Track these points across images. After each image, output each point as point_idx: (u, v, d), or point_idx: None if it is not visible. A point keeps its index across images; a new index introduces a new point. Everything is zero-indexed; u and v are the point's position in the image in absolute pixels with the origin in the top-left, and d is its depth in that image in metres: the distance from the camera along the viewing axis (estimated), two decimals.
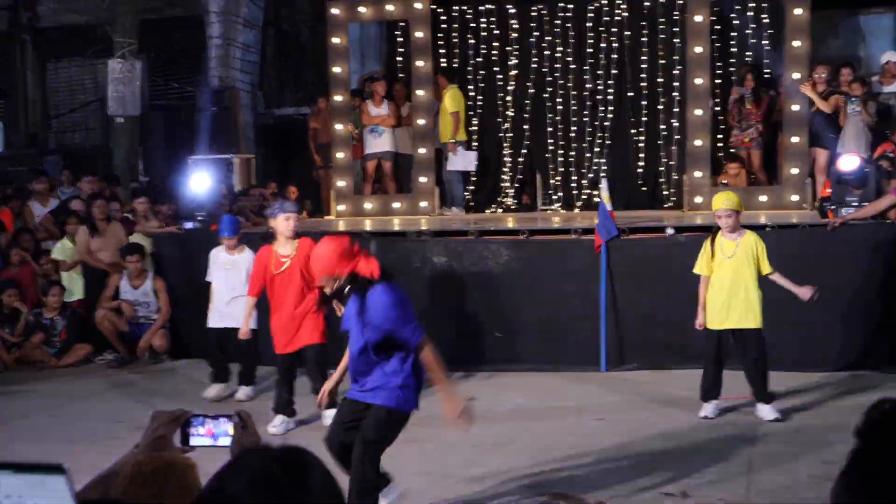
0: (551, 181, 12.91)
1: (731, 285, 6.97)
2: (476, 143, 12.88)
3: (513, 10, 13.04)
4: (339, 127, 12.47)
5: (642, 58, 12.64)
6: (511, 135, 13.07)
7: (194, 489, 2.51)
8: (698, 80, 11.38)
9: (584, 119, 12.83)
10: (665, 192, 12.58)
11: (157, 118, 15.40)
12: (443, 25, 13.13)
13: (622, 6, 12.65)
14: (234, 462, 1.74)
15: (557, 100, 12.89)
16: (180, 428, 2.75)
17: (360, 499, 4.89)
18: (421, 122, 12.23)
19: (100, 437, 7.15)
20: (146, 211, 10.87)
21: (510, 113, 13.08)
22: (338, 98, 12.45)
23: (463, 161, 12.24)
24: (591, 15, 12.74)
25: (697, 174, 11.38)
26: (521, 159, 13.08)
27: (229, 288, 8.37)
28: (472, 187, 12.88)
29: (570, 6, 12.84)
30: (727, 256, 7.00)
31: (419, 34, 12.18)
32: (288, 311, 7.19)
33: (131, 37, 13.55)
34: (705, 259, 7.16)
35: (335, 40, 12.39)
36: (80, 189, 12.21)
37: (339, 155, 12.49)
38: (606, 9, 12.68)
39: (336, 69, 12.40)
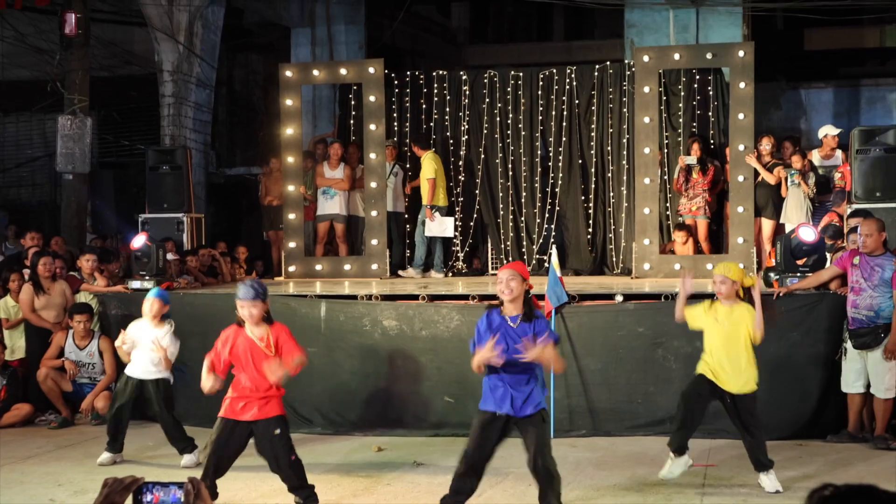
0: (502, 245, 13.02)
1: (723, 351, 6.98)
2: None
3: (465, 76, 13.25)
4: (290, 188, 12.49)
5: (592, 125, 12.88)
6: (462, 199, 13.20)
7: None
8: (646, 150, 11.60)
9: (535, 185, 13.01)
10: (614, 259, 12.75)
11: (106, 175, 15.33)
12: (396, 89, 13.28)
13: (572, 75, 12.91)
14: None
15: (508, 165, 13.06)
16: (132, 496, 2.73)
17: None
18: (373, 184, 12.30)
19: (40, 500, 6.97)
20: (93, 269, 10.74)
21: (461, 177, 13.22)
22: (290, 159, 12.48)
23: (440, 227, 12.41)
24: (543, 82, 12.98)
25: (646, 241, 11.55)
26: (472, 224, 13.19)
27: (144, 351, 8.18)
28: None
29: (522, 73, 13.09)
30: (719, 321, 7.03)
31: (372, 98, 12.30)
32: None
33: (82, 93, 13.49)
34: (699, 310, 7.15)
35: (288, 102, 12.46)
36: (23, 245, 12.04)
37: (291, 216, 12.49)
38: (557, 77, 12.93)
39: (288, 130, 12.46)
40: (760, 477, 7.03)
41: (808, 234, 9.34)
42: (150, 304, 8.21)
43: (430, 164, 12.43)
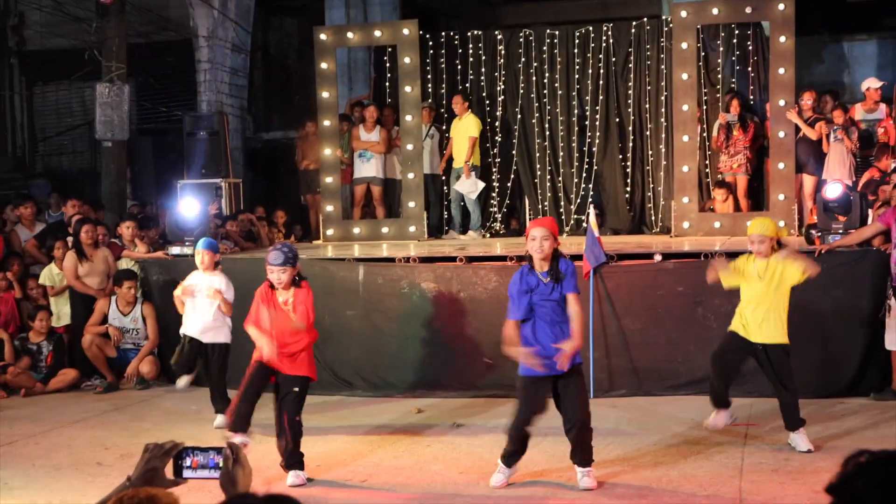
0: (539, 206, 12.97)
1: (761, 304, 6.94)
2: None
3: (500, 36, 13.14)
4: (327, 151, 12.50)
5: (629, 83, 12.74)
6: (499, 160, 13.14)
7: None
8: (685, 107, 11.46)
9: (573, 144, 12.92)
10: (653, 218, 12.65)
11: (145, 142, 15.41)
12: (431, 51, 13.21)
13: (609, 32, 12.76)
14: None
15: (545, 125, 12.98)
16: (172, 460, 2.76)
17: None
18: (409, 147, 12.28)
19: (87, 464, 7.10)
20: (133, 236, 10.85)
21: (498, 138, 13.16)
22: (326, 123, 12.48)
23: (471, 186, 12.40)
24: (579, 40, 12.85)
25: (685, 200, 11.44)
26: (509, 184, 13.15)
27: (203, 303, 8.28)
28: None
29: (557, 31, 12.97)
30: (759, 277, 6.98)
31: (407, 59, 12.24)
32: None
33: (119, 61, 13.55)
34: (735, 269, 7.11)
35: (323, 65, 12.44)
36: (66, 213, 12.17)
37: (328, 179, 12.51)
38: (593, 34, 12.79)
39: (324, 94, 12.44)
40: (791, 436, 6.99)
41: (834, 191, 9.20)
42: (201, 256, 8.31)
43: (475, 123, 12.47)
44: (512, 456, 6.34)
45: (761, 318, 6.92)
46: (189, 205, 10.66)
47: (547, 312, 6.15)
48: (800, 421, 6.99)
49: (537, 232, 6.16)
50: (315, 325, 9.58)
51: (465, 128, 12.48)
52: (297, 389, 6.63)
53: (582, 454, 6.25)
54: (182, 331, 8.46)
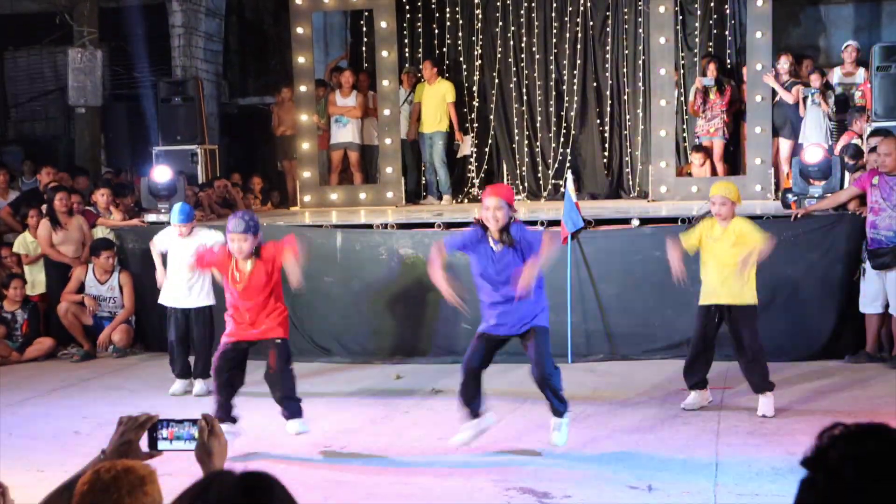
0: (517, 171, 12.95)
1: (721, 266, 6.97)
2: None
3: (477, 0, 13.04)
4: (303, 117, 12.41)
5: (607, 47, 12.70)
6: (477, 125, 13.10)
7: (153, 496, 2.50)
8: (662, 71, 11.44)
9: (550, 109, 12.88)
10: (630, 183, 12.66)
11: (118, 108, 15.22)
12: (407, 15, 13.10)
13: None
14: (195, 488, 1.75)
15: (523, 89, 12.93)
16: (147, 432, 2.75)
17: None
18: (386, 112, 12.21)
19: (64, 433, 7.07)
20: (108, 203, 10.75)
21: (476, 103, 13.10)
22: (302, 88, 12.38)
23: (468, 148, 12.55)
24: (556, 4, 12.78)
25: (662, 164, 11.45)
26: (486, 149, 13.11)
27: (182, 269, 8.16)
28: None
29: None
30: (715, 239, 7.02)
31: (384, 24, 12.14)
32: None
33: (91, 26, 13.35)
34: (693, 235, 7.14)
35: (299, 30, 12.32)
36: (39, 180, 12.05)
37: (304, 145, 12.43)
38: None
39: (300, 59, 12.33)
40: (760, 399, 7.01)
41: (814, 155, 9.23)
42: (178, 230, 8.20)
43: (451, 88, 12.42)
44: (464, 408, 6.22)
45: (724, 277, 6.95)
46: (161, 172, 10.60)
47: (497, 279, 6.07)
48: (768, 385, 7.03)
49: (490, 202, 6.03)
50: (292, 291, 9.58)
51: (441, 94, 12.40)
52: (279, 341, 6.47)
53: (550, 402, 6.18)
54: (161, 300, 8.41)
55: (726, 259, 6.94)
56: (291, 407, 6.54)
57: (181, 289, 8.28)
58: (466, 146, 12.63)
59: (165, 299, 8.41)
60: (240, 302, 6.52)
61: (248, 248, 6.39)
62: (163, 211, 10.29)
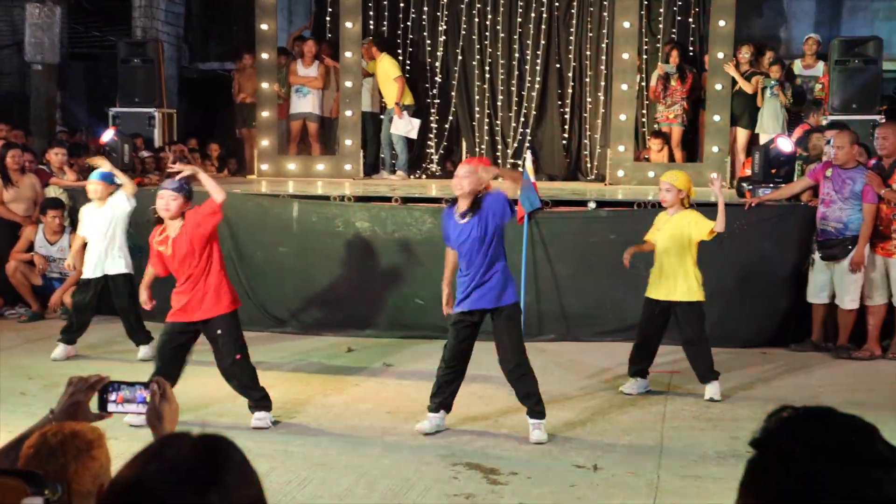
0: (476, 149, 12.95)
1: (662, 258, 7.05)
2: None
3: None
4: (264, 85, 12.30)
5: (571, 29, 12.72)
6: (438, 101, 13.06)
7: (100, 460, 2.50)
8: (625, 55, 11.48)
9: (512, 88, 12.88)
10: (588, 165, 12.72)
11: (76, 67, 15.00)
12: None
13: None
14: (149, 450, 1.74)
15: (486, 67, 12.91)
16: (97, 394, 2.73)
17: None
18: (348, 83, 12.13)
19: (10, 393, 6.99)
20: (62, 163, 10.60)
21: (438, 79, 13.07)
22: (264, 56, 12.26)
23: (405, 126, 12.20)
24: None
25: (621, 148, 11.51)
26: (447, 126, 13.09)
27: (97, 237, 8.17)
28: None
29: None
30: (659, 230, 7.09)
31: None
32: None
33: None
34: (652, 230, 7.22)
35: None
36: None
37: (264, 114, 12.33)
38: None
39: (263, 26, 12.21)
40: (706, 386, 7.09)
41: (787, 146, 9.34)
42: (94, 187, 8.18)
43: (393, 63, 12.21)
44: (434, 398, 6.32)
45: (666, 272, 7.03)
46: (106, 133, 10.53)
47: (467, 251, 6.15)
48: (713, 374, 7.12)
49: (460, 170, 6.20)
50: (246, 260, 9.54)
51: (384, 70, 12.26)
52: (220, 331, 6.34)
53: (525, 402, 6.23)
54: (84, 276, 8.32)
55: (668, 254, 7.01)
56: (253, 396, 6.44)
57: (98, 255, 8.19)
58: (404, 125, 12.18)
59: (86, 272, 8.32)
60: (172, 269, 6.40)
61: (175, 208, 6.29)
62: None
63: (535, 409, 6.20)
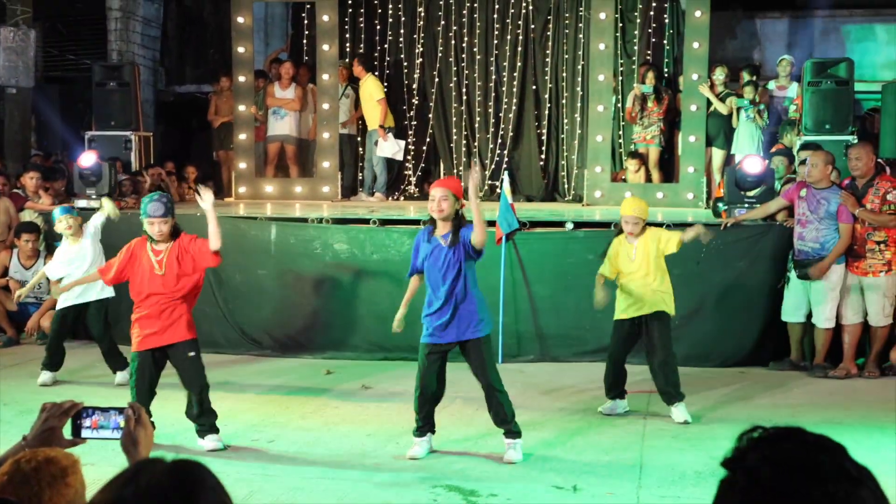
0: (454, 171, 12.97)
1: (634, 281, 7.05)
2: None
3: None
4: (241, 108, 12.30)
5: (547, 51, 12.79)
6: (415, 123, 13.09)
7: (75, 486, 2.47)
8: (601, 77, 11.56)
9: (489, 110, 12.94)
10: (565, 186, 12.77)
11: (51, 90, 14.94)
12: (349, 9, 13.05)
13: None
14: (124, 475, 1.73)
15: (462, 89, 12.96)
16: (71, 420, 2.70)
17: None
18: (325, 106, 12.15)
19: None
20: (37, 187, 10.54)
21: (415, 101, 13.10)
22: (241, 78, 12.27)
23: (391, 148, 12.23)
24: (498, 6, 12.83)
25: (598, 169, 11.57)
26: (424, 148, 13.11)
27: (82, 272, 8.05)
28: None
29: None
30: (631, 259, 7.09)
31: (326, 17, 12.08)
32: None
33: (25, 4, 13.08)
34: (610, 262, 7.19)
35: (239, 19, 12.21)
36: None
37: (241, 136, 12.32)
38: (513, 1, 12.77)
39: (240, 49, 12.22)
40: (672, 410, 7.06)
41: (754, 166, 9.40)
42: (66, 224, 8.15)
43: (377, 85, 12.28)
44: (419, 428, 6.30)
45: (640, 292, 7.02)
46: (87, 157, 10.46)
47: (434, 277, 6.12)
48: (679, 395, 7.08)
49: (436, 192, 6.18)
50: (224, 282, 9.51)
51: (368, 91, 12.32)
52: (192, 354, 6.37)
53: (500, 423, 6.20)
54: (59, 306, 8.25)
55: (640, 275, 7.02)
56: (212, 419, 6.43)
57: (82, 287, 8.04)
58: (390, 147, 12.28)
59: (61, 302, 8.24)
60: (155, 290, 6.33)
61: (167, 230, 6.39)
62: (92, 197, 10.12)
63: (509, 428, 6.18)
